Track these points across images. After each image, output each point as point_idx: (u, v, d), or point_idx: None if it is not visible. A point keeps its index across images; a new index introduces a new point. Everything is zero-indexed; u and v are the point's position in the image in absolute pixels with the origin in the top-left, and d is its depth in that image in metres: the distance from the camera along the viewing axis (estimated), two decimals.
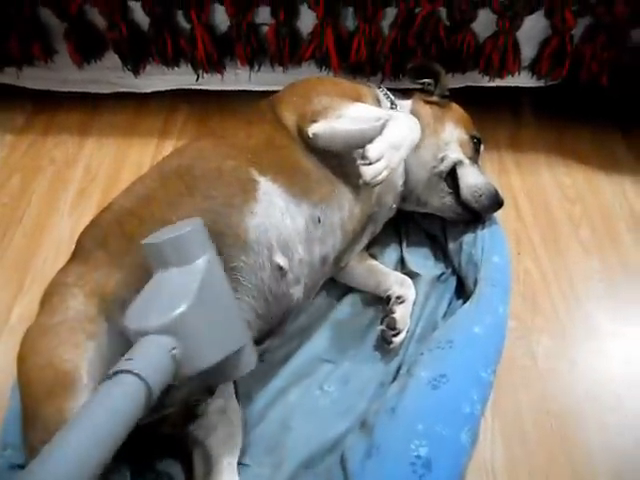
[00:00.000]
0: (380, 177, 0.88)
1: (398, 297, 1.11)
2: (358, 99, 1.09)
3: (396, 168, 0.92)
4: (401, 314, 1.09)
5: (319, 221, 0.99)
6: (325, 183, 1.01)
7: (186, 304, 0.69)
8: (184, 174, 0.95)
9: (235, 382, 1.03)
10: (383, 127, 0.93)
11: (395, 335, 1.07)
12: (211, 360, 0.71)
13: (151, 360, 0.65)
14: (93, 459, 0.54)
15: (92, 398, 0.62)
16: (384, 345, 1.08)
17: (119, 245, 0.90)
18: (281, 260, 0.93)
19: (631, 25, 1.31)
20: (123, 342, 0.73)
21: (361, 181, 0.88)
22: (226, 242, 0.89)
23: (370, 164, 0.87)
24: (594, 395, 1.07)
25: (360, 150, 0.92)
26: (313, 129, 1.00)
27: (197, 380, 0.76)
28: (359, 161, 0.88)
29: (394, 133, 0.92)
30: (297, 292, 0.98)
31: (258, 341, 0.94)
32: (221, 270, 0.81)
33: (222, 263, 0.82)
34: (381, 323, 1.10)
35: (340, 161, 1.04)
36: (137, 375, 0.61)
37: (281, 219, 0.95)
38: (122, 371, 0.61)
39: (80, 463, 0.53)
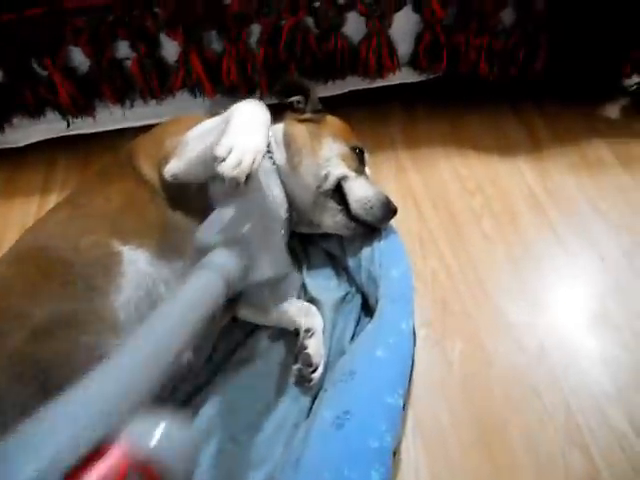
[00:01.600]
0: (245, 165, 0.78)
1: (307, 330, 1.05)
2: None
3: (260, 150, 0.81)
4: (314, 348, 1.03)
5: None
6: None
7: (249, 223, 0.79)
8: (39, 257, 0.87)
9: None
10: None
11: (313, 371, 1.01)
12: (266, 274, 0.81)
13: (227, 262, 0.72)
14: (175, 342, 0.59)
15: (176, 292, 0.67)
16: (304, 384, 1.02)
17: None
18: None
19: (499, 8, 1.30)
20: None
21: (227, 182, 0.78)
22: (94, 329, 0.82)
23: (224, 160, 0.78)
24: (512, 394, 1.04)
25: None
26: (168, 171, 0.94)
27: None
28: (214, 164, 0.79)
29: (236, 120, 0.85)
30: (185, 356, 0.92)
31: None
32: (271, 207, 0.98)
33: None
34: (295, 361, 1.04)
35: (209, 201, 0.97)
36: (217, 271, 0.69)
37: (153, 287, 0.88)
38: (203, 267, 0.70)
39: (165, 342, 0.58)
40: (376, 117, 1.50)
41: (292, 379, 1.03)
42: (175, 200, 0.96)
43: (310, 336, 1.03)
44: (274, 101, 1.33)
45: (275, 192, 1.09)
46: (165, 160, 0.95)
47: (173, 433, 0.51)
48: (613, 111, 1.55)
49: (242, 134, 0.81)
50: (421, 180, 1.41)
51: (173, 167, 0.94)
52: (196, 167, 0.93)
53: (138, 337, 0.59)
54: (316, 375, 1.01)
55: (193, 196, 0.97)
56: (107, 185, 0.98)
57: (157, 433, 0.50)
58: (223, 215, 0.82)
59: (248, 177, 0.79)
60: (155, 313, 0.62)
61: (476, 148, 1.46)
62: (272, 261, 0.83)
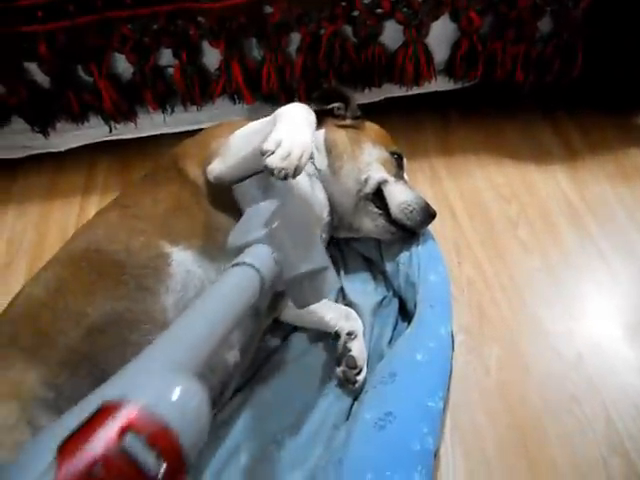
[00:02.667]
0: (294, 157, 0.80)
1: (349, 333, 1.07)
2: None
3: (307, 144, 0.83)
4: (358, 350, 1.05)
5: None
6: None
7: (277, 221, 0.80)
8: (93, 259, 0.90)
9: None
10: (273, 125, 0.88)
11: (358, 373, 1.03)
12: (301, 269, 0.82)
13: (262, 258, 0.74)
14: (213, 336, 0.59)
15: (212, 286, 0.69)
16: (348, 386, 1.03)
17: (33, 341, 0.84)
18: None
19: (536, 17, 1.31)
20: None
21: (275, 174, 0.79)
22: (145, 329, 0.85)
23: (273, 153, 0.80)
24: (551, 400, 1.04)
25: None
26: (212, 172, 0.96)
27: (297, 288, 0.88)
28: (262, 158, 0.80)
29: (283, 118, 0.87)
30: (232, 357, 0.94)
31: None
32: (301, 201, 0.98)
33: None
34: (337, 364, 1.05)
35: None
36: (252, 266, 0.71)
37: (201, 287, 0.90)
38: (238, 264, 0.71)
39: (202, 337, 0.58)
40: (410, 124, 1.51)
41: (335, 381, 1.05)
42: (219, 201, 0.98)
43: (353, 339, 1.05)
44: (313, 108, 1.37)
45: (318, 196, 1.10)
46: (209, 160, 0.98)
47: (187, 400, 0.50)
48: None
49: (290, 129, 0.83)
50: (456, 188, 1.41)
51: (216, 167, 0.96)
52: (240, 167, 0.94)
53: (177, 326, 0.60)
54: (360, 377, 1.02)
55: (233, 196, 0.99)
56: (154, 187, 1.01)
57: (171, 396, 0.49)
58: (251, 216, 0.86)
59: (296, 171, 0.80)
60: (189, 311, 0.63)
61: (511, 156, 1.47)
62: (305, 256, 0.84)
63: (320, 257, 0.90)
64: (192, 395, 0.51)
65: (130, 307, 0.85)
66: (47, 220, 1.47)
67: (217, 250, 0.93)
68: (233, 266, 0.72)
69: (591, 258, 1.25)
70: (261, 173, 0.88)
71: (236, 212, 0.97)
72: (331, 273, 0.91)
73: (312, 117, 0.91)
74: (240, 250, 0.77)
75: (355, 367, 1.02)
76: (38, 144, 1.49)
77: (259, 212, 0.85)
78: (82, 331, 0.84)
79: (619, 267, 1.23)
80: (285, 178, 0.80)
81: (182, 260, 0.91)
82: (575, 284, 1.21)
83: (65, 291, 0.87)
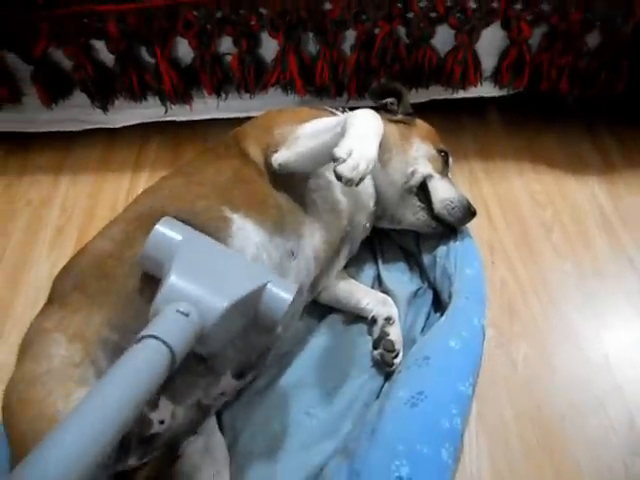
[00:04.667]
0: (361, 169, 0.83)
1: (387, 318, 1.12)
2: None
3: (373, 158, 0.86)
4: (395, 334, 1.10)
5: (292, 254, 1.00)
6: (295, 214, 1.03)
7: (173, 273, 0.78)
8: (158, 217, 0.93)
9: (219, 415, 1.03)
10: (344, 129, 0.90)
11: (395, 357, 1.08)
12: (223, 305, 0.75)
13: (165, 322, 0.70)
14: (115, 422, 0.56)
15: (117, 363, 0.65)
16: (385, 368, 1.08)
17: (98, 286, 0.90)
18: None
19: (585, 31, 1.34)
20: None
21: (343, 182, 0.84)
22: None
23: (344, 161, 0.84)
24: (576, 401, 1.08)
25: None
26: (277, 159, 1.01)
27: (213, 369, 0.84)
28: (333, 165, 0.84)
29: (356, 126, 0.89)
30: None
31: (239, 375, 0.93)
32: (201, 236, 0.88)
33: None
34: (375, 347, 1.10)
35: (308, 189, 1.05)
36: (158, 338, 0.65)
37: (257, 254, 0.95)
38: (144, 336, 0.66)
39: (101, 424, 0.55)
40: (451, 127, 1.55)
41: (368, 362, 1.10)
42: (278, 182, 1.04)
43: (391, 324, 1.10)
44: (361, 104, 1.42)
45: (367, 185, 1.16)
46: (274, 148, 1.03)
47: None
48: None
49: (360, 140, 0.87)
50: (493, 191, 1.46)
51: (282, 157, 1.02)
52: (305, 161, 1.01)
53: (78, 415, 0.57)
54: (397, 360, 1.07)
55: (296, 182, 1.05)
56: (216, 160, 1.06)
57: None
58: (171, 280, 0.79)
59: (360, 182, 0.85)
60: (91, 396, 0.60)
61: (549, 165, 1.50)
62: (226, 287, 0.79)
63: (253, 278, 0.83)
64: None
65: None
66: (98, 191, 1.54)
67: (272, 226, 0.98)
68: (138, 340, 0.67)
69: (622, 267, 1.28)
70: (149, 236, 0.86)
71: (295, 195, 1.05)
72: (278, 287, 0.84)
73: (381, 128, 0.94)
74: (152, 315, 0.74)
75: (393, 350, 1.07)
76: (94, 119, 1.57)
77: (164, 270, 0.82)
78: (144, 283, 0.89)
79: None
80: (349, 186, 0.85)
81: (242, 226, 0.96)
82: (605, 290, 1.24)
83: (131, 241, 0.93)
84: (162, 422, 0.87)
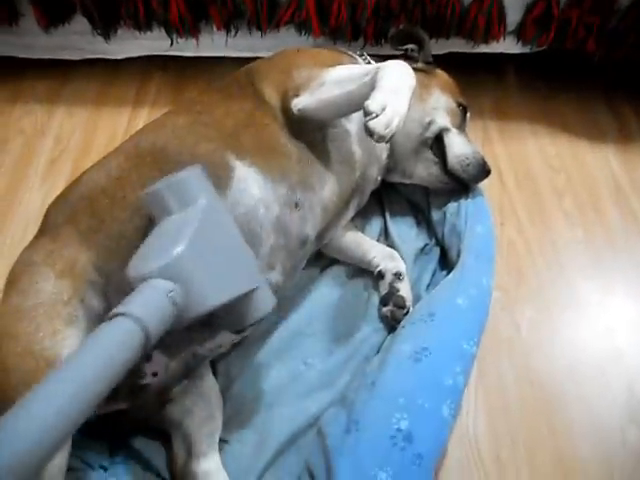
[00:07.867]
0: (394, 126, 0.79)
1: (396, 274, 1.09)
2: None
3: (405, 113, 0.82)
4: (405, 291, 1.08)
5: (296, 206, 0.94)
6: (306, 163, 0.97)
7: (183, 245, 0.67)
8: (158, 155, 0.90)
9: (213, 360, 1.00)
10: (374, 80, 0.84)
11: (406, 313, 1.05)
12: (213, 303, 0.68)
13: (148, 303, 0.62)
14: (80, 404, 0.51)
15: (85, 341, 0.60)
16: (394, 324, 1.05)
17: (89, 224, 0.86)
18: None
19: None
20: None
21: (374, 138, 0.79)
22: None
23: (377, 117, 0.79)
24: (576, 366, 1.07)
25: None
26: (298, 104, 0.95)
27: (209, 324, 0.75)
28: (365, 119, 0.79)
29: (389, 79, 0.83)
30: (273, 277, 0.93)
31: (238, 331, 0.91)
32: (225, 213, 0.78)
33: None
34: (383, 303, 1.08)
35: (323, 138, 1.00)
36: (133, 317, 0.58)
37: (253, 208, 0.89)
38: (118, 314, 0.59)
39: (67, 406, 0.50)
40: (468, 84, 1.47)
41: (370, 316, 1.08)
42: (292, 129, 0.97)
43: (401, 279, 1.06)
44: (378, 51, 1.36)
45: None
46: (295, 92, 0.96)
47: None
48: None
49: (394, 94, 0.82)
50: (506, 152, 1.41)
51: (304, 101, 0.95)
52: (328, 109, 0.95)
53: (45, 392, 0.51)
54: (407, 317, 1.04)
55: (311, 130, 0.98)
56: (227, 100, 0.99)
57: None
58: (159, 235, 0.73)
59: (390, 139, 0.80)
60: (60, 372, 0.54)
61: (565, 130, 1.46)
62: (223, 283, 0.71)
63: (246, 277, 0.77)
64: None
65: None
66: (95, 125, 1.47)
67: (280, 175, 0.93)
68: (110, 317, 0.60)
69: (632, 237, 1.25)
70: (175, 178, 0.76)
71: (308, 144, 0.98)
72: (261, 292, 0.77)
73: (414, 82, 0.88)
74: (138, 282, 0.66)
75: (404, 307, 1.05)
76: (95, 48, 1.48)
77: (168, 230, 0.73)
78: (135, 223, 0.85)
79: None
80: (380, 142, 0.80)
81: (244, 176, 0.90)
82: (614, 260, 1.21)
83: (125, 181, 0.88)
84: (155, 374, 0.85)
